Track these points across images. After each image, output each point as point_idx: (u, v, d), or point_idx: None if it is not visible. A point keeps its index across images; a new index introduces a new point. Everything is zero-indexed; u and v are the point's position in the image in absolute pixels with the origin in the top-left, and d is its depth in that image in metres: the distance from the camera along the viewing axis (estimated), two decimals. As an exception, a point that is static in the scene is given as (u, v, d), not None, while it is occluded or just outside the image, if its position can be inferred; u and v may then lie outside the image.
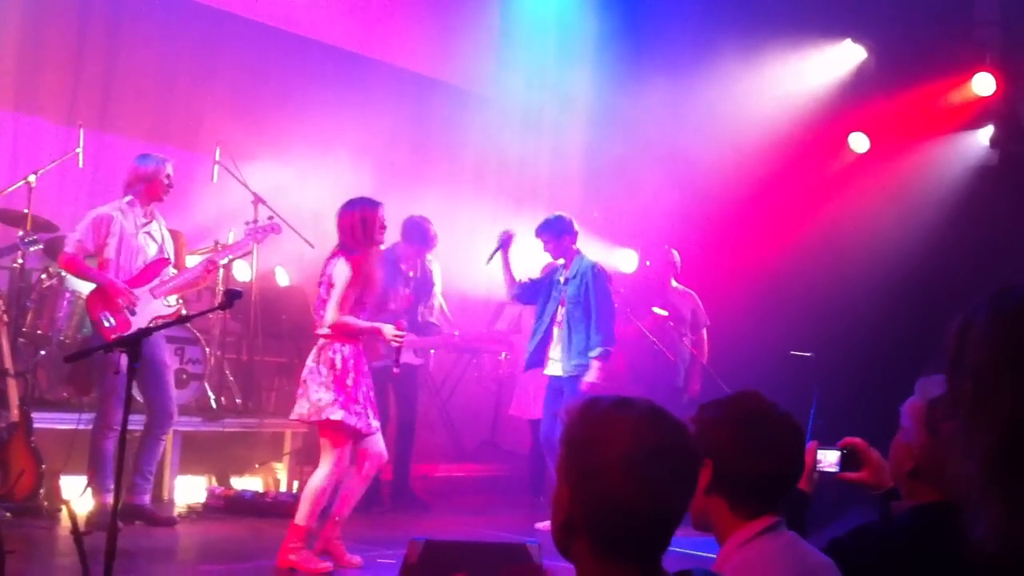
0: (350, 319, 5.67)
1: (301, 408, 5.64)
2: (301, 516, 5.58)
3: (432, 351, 8.48)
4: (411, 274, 7.99)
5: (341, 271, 5.68)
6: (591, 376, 7.16)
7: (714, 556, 2.35)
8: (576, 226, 7.50)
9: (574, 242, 7.47)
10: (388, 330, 5.76)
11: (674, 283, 8.79)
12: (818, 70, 10.04)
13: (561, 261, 7.50)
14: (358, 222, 5.77)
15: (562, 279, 7.44)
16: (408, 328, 7.69)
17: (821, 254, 8.99)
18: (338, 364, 5.62)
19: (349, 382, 5.62)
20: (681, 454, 1.80)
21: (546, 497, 7.32)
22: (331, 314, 5.63)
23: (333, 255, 5.79)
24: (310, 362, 5.69)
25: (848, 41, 9.91)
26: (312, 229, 7.95)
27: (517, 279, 7.61)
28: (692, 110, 9.96)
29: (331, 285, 5.69)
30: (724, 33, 9.70)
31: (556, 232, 7.41)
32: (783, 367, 7.79)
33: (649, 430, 1.78)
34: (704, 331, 8.80)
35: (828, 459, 2.81)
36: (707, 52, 9.79)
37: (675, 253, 8.83)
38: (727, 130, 9.74)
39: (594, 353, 7.21)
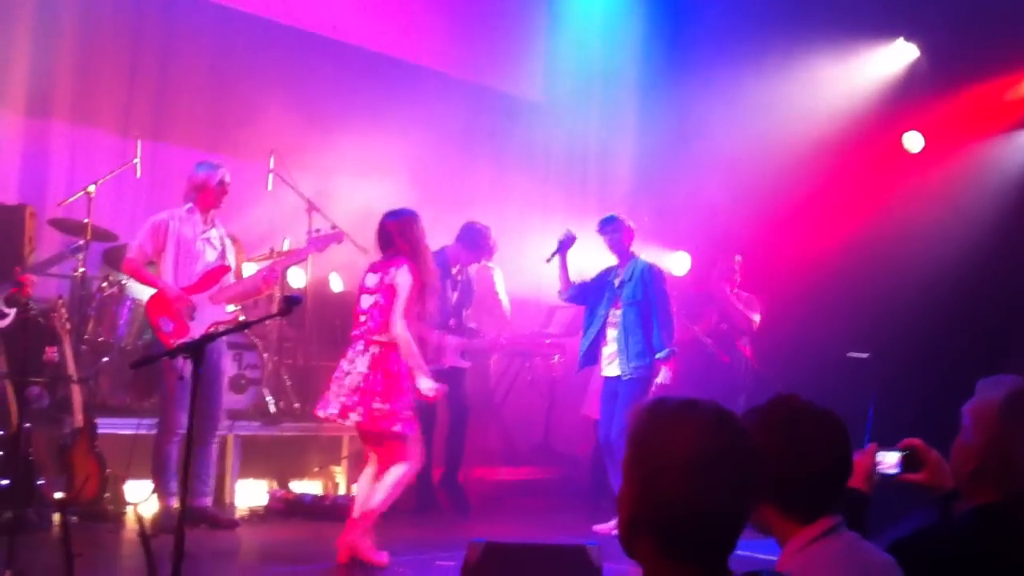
0: (410, 338, 5.70)
1: (356, 414, 5.65)
2: (368, 509, 5.65)
3: (492, 357, 8.54)
4: (459, 278, 8.03)
5: (405, 280, 5.72)
6: (663, 378, 7.19)
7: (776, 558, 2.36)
8: (632, 229, 7.52)
9: (631, 243, 7.48)
10: (425, 385, 5.78)
11: (736, 288, 8.75)
12: (870, 69, 9.97)
13: (615, 262, 7.51)
14: (414, 229, 5.84)
15: (616, 281, 7.44)
16: (454, 331, 7.78)
17: (876, 254, 8.92)
18: (395, 371, 5.69)
19: (404, 389, 5.69)
20: (745, 457, 1.82)
21: (606, 500, 7.32)
22: (398, 324, 5.67)
23: (393, 262, 5.81)
24: (363, 367, 5.68)
25: (900, 40, 9.83)
26: (365, 235, 8.03)
27: (572, 281, 7.64)
28: (743, 111, 9.92)
29: (392, 292, 5.72)
30: (774, 33, 9.67)
31: (618, 228, 7.44)
32: (840, 368, 7.74)
33: (714, 432, 1.81)
34: (756, 334, 8.73)
35: (888, 460, 2.80)
36: (757, 52, 9.76)
37: (734, 256, 8.80)
38: (778, 131, 9.69)
39: (661, 355, 7.23)
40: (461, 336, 7.81)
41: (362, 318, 5.81)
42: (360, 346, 5.75)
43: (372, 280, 5.84)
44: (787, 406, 2.37)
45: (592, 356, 7.51)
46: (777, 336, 8.83)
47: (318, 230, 7.20)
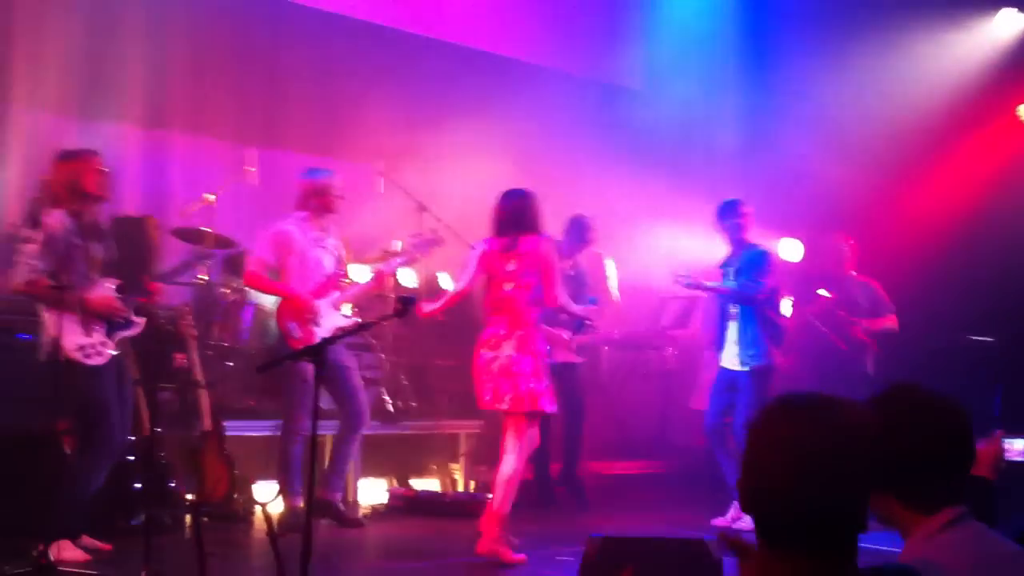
0: (568, 302, 5.84)
1: (505, 399, 5.72)
2: (498, 502, 5.71)
3: (606, 348, 8.54)
4: (571, 272, 8.05)
5: (549, 253, 5.81)
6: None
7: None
8: (748, 216, 7.37)
9: (746, 231, 7.37)
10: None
11: (851, 273, 8.60)
12: (978, 40, 9.71)
13: (728, 252, 7.43)
14: (532, 205, 5.92)
15: (731, 271, 7.37)
16: (565, 325, 7.81)
17: (994, 232, 8.66)
18: (540, 351, 5.80)
19: (548, 370, 5.83)
20: (849, 448, 1.81)
21: (724, 492, 7.27)
22: (561, 295, 5.78)
23: (527, 244, 5.83)
24: (510, 351, 5.74)
25: (1007, 10, 9.55)
26: (474, 232, 8.11)
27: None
28: (848, 91, 9.76)
29: (535, 272, 5.78)
30: (877, 7, 9.48)
31: (730, 216, 7.34)
32: (963, 354, 7.55)
33: (815, 424, 1.81)
34: (890, 316, 8.52)
35: (1015, 447, 2.74)
36: (861, 29, 9.60)
37: (847, 241, 8.65)
38: (887, 108, 9.51)
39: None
40: (571, 331, 7.82)
41: (502, 303, 5.85)
42: (503, 331, 5.80)
43: (510, 266, 5.86)
44: (906, 394, 2.33)
45: (720, 347, 7.44)
46: (900, 323, 8.65)
47: (418, 234, 7.30)
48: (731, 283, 7.24)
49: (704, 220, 7.69)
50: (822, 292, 8.31)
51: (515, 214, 5.91)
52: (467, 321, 8.64)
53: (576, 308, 6.10)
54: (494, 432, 7.63)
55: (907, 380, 2.38)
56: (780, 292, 7.43)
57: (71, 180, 5.39)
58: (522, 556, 5.70)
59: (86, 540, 5.38)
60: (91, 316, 5.34)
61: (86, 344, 5.29)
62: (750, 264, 7.24)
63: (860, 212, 9.45)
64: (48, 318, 5.23)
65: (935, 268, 8.86)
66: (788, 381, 7.71)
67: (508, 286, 5.85)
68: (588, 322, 6.86)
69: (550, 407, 5.83)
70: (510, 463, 5.76)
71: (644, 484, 8.82)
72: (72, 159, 5.48)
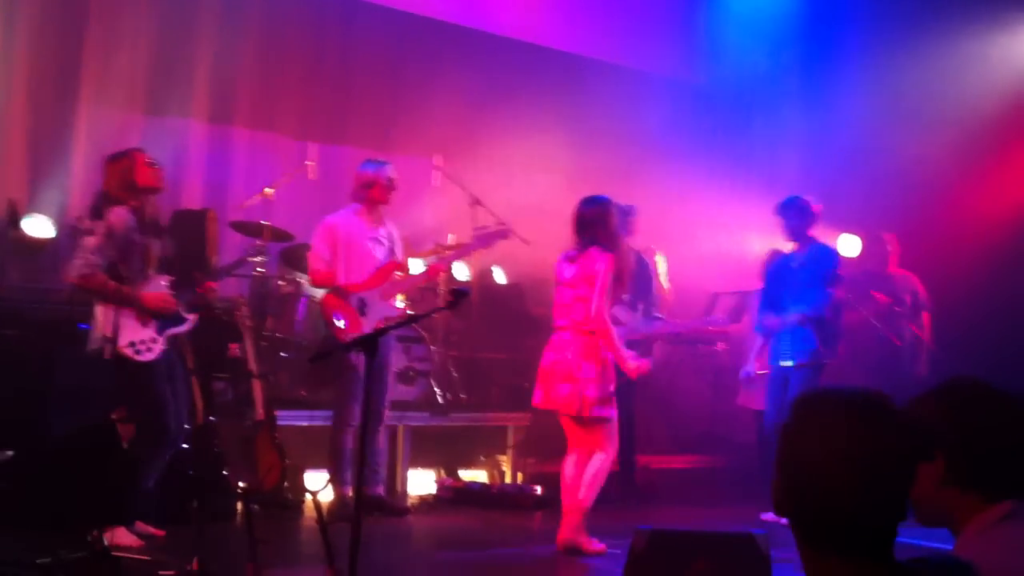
0: (610, 326, 5.82)
1: (570, 403, 5.74)
2: (583, 498, 5.74)
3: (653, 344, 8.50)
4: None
5: (603, 268, 5.80)
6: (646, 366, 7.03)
7: (942, 548, 2.31)
8: (815, 212, 7.25)
9: (810, 227, 7.25)
10: (630, 365, 5.91)
11: (894, 268, 8.54)
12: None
13: (792, 247, 7.36)
14: (610, 212, 5.91)
15: (795, 265, 7.29)
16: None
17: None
18: (604, 358, 5.80)
19: (612, 376, 5.83)
20: (892, 445, 1.79)
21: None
22: (600, 311, 5.77)
23: (588, 253, 5.86)
24: (573, 356, 5.76)
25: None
26: (528, 228, 8.14)
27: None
28: (909, 89, 9.64)
29: (592, 282, 5.80)
30: (936, 9, 9.37)
31: (794, 212, 7.23)
32: (1018, 347, 7.45)
33: (854, 421, 1.79)
34: (925, 315, 8.51)
35: None
36: (921, 27, 9.48)
37: (890, 238, 8.57)
38: (942, 109, 9.40)
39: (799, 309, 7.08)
40: (632, 326, 7.78)
41: (566, 310, 5.88)
42: (567, 336, 5.84)
43: (570, 272, 5.90)
44: (965, 386, 2.31)
45: (775, 348, 7.35)
46: (955, 317, 8.55)
47: (484, 227, 7.29)
48: (801, 309, 7.14)
49: (763, 215, 7.63)
50: (879, 295, 8.24)
51: (588, 221, 5.93)
52: (517, 315, 8.69)
53: (616, 335, 5.98)
54: (542, 425, 7.67)
55: (961, 374, 2.37)
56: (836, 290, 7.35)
57: (123, 178, 5.50)
58: (602, 546, 5.73)
59: (140, 526, 5.50)
60: (144, 312, 5.44)
61: (137, 340, 5.39)
62: (818, 264, 7.17)
63: (920, 208, 9.34)
64: (101, 312, 5.33)
65: (997, 265, 8.75)
66: (841, 378, 7.65)
67: (568, 295, 5.89)
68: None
69: (612, 414, 5.82)
70: (595, 462, 5.80)
71: (694, 479, 8.80)
72: (120, 158, 5.60)
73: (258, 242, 7.43)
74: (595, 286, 5.78)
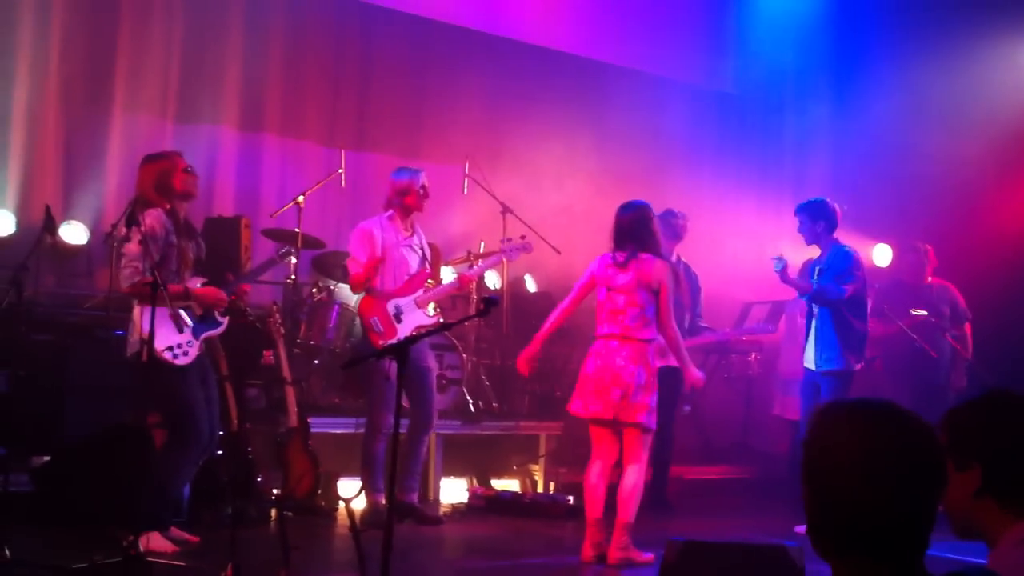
0: (679, 333, 5.86)
1: (613, 408, 5.73)
2: (627, 514, 5.75)
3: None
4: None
5: (667, 277, 5.80)
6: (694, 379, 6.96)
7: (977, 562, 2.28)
8: (836, 215, 7.16)
9: (831, 231, 7.16)
10: (694, 375, 5.99)
11: (930, 279, 8.48)
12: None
13: (816, 252, 7.30)
14: (650, 218, 5.93)
15: (817, 270, 7.22)
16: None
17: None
18: (653, 366, 5.81)
19: (657, 385, 5.84)
20: (921, 455, 1.80)
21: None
22: (670, 319, 5.80)
23: (642, 260, 5.83)
24: (623, 363, 5.73)
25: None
26: (557, 236, 8.14)
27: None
28: (938, 99, 9.58)
29: (650, 290, 5.79)
30: (971, 16, 9.30)
31: (812, 215, 7.14)
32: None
33: (884, 431, 1.80)
34: (967, 325, 8.45)
35: None
36: (952, 37, 9.42)
37: (928, 248, 8.50)
38: (974, 115, 9.34)
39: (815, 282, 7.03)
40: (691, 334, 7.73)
41: (616, 316, 5.84)
42: (615, 343, 5.81)
43: (623, 279, 5.86)
44: (1001, 397, 2.30)
45: (803, 349, 7.28)
46: (986, 327, 8.47)
47: (509, 239, 7.31)
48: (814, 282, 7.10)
49: (792, 224, 7.57)
50: (917, 312, 8.19)
51: (631, 226, 5.90)
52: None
53: (682, 347, 6.00)
54: (575, 434, 7.64)
55: (998, 386, 2.36)
56: (866, 297, 7.28)
57: (159, 180, 5.52)
58: (650, 556, 5.71)
59: (175, 532, 5.52)
60: (199, 305, 5.48)
61: (174, 344, 5.42)
62: (835, 265, 7.08)
63: (953, 216, 9.27)
64: (140, 316, 5.36)
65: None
66: (875, 390, 7.60)
67: (620, 299, 5.84)
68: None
69: (653, 424, 5.82)
70: (634, 475, 5.78)
71: (726, 489, 8.75)
72: (158, 160, 5.63)
73: (280, 247, 7.36)
74: (659, 295, 5.78)
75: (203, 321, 5.59)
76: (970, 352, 8.39)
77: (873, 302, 7.53)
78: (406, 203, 6.70)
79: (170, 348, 5.40)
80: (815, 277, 7.15)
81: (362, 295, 6.69)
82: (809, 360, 7.18)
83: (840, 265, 7.07)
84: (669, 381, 7.63)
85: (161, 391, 5.44)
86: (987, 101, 9.36)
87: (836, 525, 1.82)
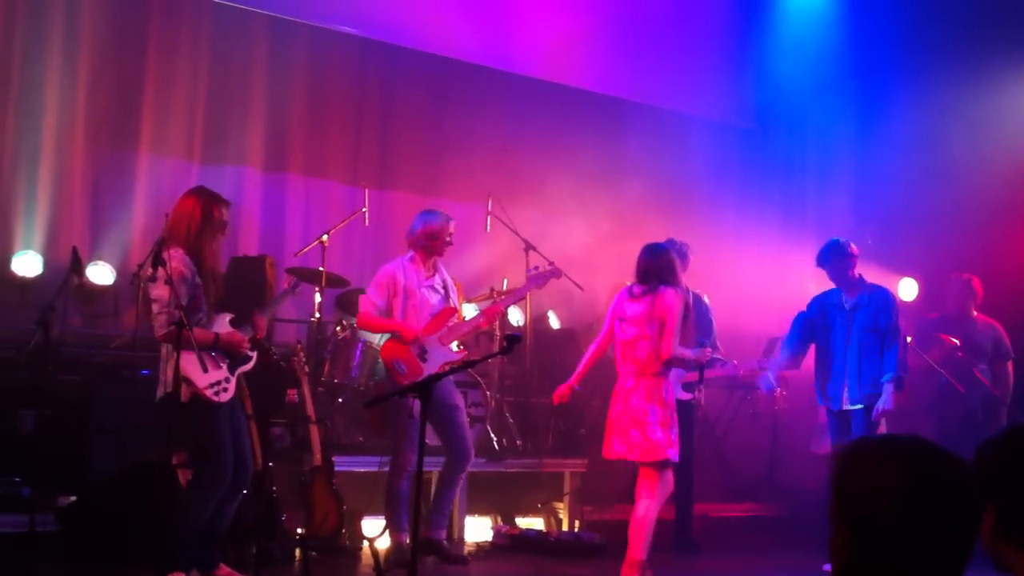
0: (682, 351, 5.91)
1: (635, 449, 5.82)
2: (638, 549, 5.77)
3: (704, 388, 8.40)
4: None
5: (675, 304, 5.86)
6: (883, 403, 6.93)
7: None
8: (852, 249, 7.18)
9: (854, 266, 7.18)
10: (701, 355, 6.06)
11: (975, 313, 8.41)
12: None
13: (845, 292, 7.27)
14: (674, 260, 6.03)
15: (847, 306, 7.21)
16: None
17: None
18: (669, 401, 5.86)
19: (676, 420, 5.90)
20: (954, 491, 1.79)
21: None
22: (674, 347, 5.83)
23: (656, 294, 5.93)
24: (639, 401, 5.84)
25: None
26: (581, 273, 8.14)
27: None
28: (963, 129, 9.55)
29: (660, 323, 5.85)
30: (990, 48, 9.30)
31: (835, 261, 7.16)
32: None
33: (919, 468, 1.79)
34: (1009, 363, 8.36)
35: None
36: (976, 68, 9.41)
37: (971, 278, 8.45)
38: (1004, 147, 9.28)
39: (888, 377, 6.98)
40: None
41: (629, 348, 5.95)
42: (630, 383, 5.92)
43: (634, 310, 5.97)
44: (1018, 435, 2.23)
45: (836, 391, 7.17)
46: (1018, 364, 8.40)
47: (536, 268, 7.31)
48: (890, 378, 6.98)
49: (811, 259, 7.55)
50: (948, 338, 8.12)
51: (654, 271, 6.02)
52: (571, 360, 8.62)
53: (688, 353, 6.03)
54: (599, 472, 7.60)
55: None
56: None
57: (194, 214, 5.51)
58: None
59: (224, 571, 5.49)
60: (221, 351, 5.48)
61: (214, 381, 5.41)
62: (881, 308, 7.06)
63: (983, 246, 9.21)
64: (174, 356, 5.32)
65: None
66: (903, 423, 7.52)
67: (631, 330, 5.95)
68: (702, 364, 6.76)
69: (676, 456, 5.88)
70: (643, 509, 5.83)
71: (753, 527, 8.66)
72: (198, 194, 5.63)
73: (292, 280, 7.27)
74: (665, 321, 5.84)
75: (238, 356, 5.60)
76: (1010, 390, 8.31)
77: (908, 336, 7.49)
78: (432, 246, 6.72)
79: (212, 385, 5.38)
80: (848, 311, 7.11)
81: (386, 338, 6.70)
82: (844, 397, 7.13)
83: (887, 307, 7.05)
84: (684, 415, 7.59)
85: (193, 430, 5.42)
86: (1014, 124, 9.33)
87: (868, 563, 1.79)
